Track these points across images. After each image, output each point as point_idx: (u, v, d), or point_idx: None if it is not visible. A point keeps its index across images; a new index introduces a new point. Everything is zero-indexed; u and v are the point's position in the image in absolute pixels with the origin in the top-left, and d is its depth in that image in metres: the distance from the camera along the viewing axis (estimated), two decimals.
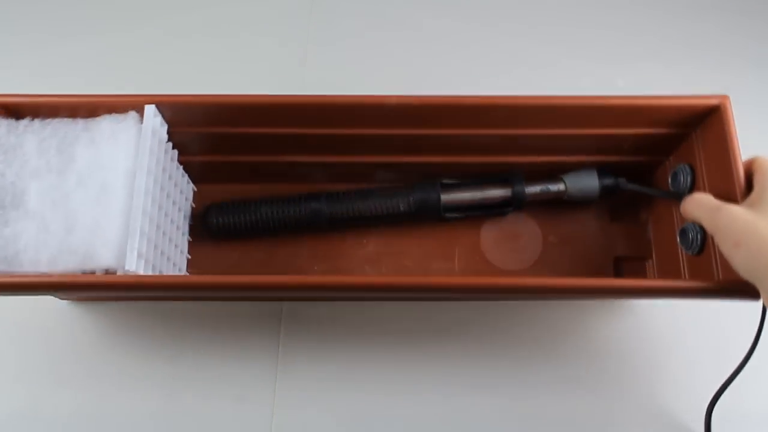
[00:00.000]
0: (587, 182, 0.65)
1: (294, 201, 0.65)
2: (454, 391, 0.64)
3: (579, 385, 0.63)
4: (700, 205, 0.52)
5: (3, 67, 0.77)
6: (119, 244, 0.52)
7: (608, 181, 0.65)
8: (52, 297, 0.65)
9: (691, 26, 0.79)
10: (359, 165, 0.65)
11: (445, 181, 0.65)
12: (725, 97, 0.56)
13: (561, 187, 0.65)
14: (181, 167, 0.64)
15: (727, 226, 0.49)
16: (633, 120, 0.59)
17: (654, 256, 0.66)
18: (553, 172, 0.65)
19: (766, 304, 0.50)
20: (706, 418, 0.60)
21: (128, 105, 0.56)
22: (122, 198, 0.53)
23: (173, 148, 0.61)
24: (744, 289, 0.50)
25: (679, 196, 0.59)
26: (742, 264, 0.48)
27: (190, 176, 0.66)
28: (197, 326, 0.65)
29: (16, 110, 0.56)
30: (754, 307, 0.54)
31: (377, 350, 0.65)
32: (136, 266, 0.51)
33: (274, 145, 0.62)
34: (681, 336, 0.65)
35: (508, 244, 0.68)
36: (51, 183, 0.53)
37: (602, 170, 0.65)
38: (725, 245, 0.49)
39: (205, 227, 0.66)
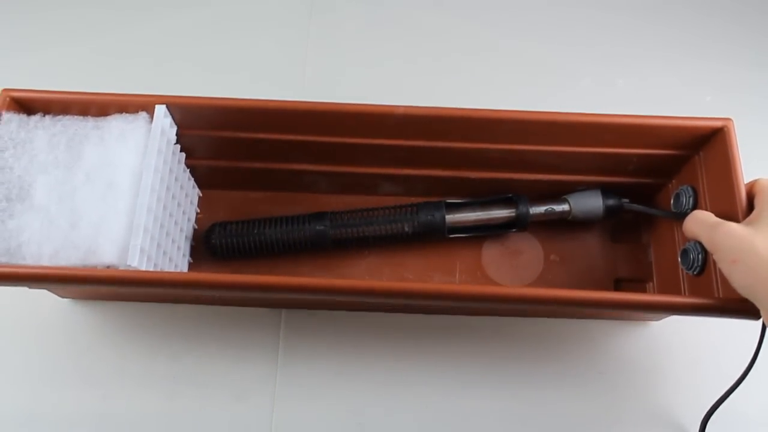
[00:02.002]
0: (591, 203, 0.65)
1: (297, 222, 0.65)
2: (453, 392, 0.63)
3: (579, 391, 0.64)
4: (700, 222, 0.52)
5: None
6: (123, 241, 0.52)
7: (612, 201, 0.65)
8: (52, 296, 0.65)
9: (691, 26, 0.79)
10: (364, 176, 0.66)
11: (450, 200, 0.66)
12: (729, 119, 0.57)
13: (565, 207, 0.65)
14: (188, 171, 0.64)
15: (724, 242, 0.49)
16: (637, 139, 0.59)
17: (655, 278, 0.66)
18: (558, 191, 0.66)
19: (765, 321, 0.49)
20: (700, 430, 0.60)
21: (139, 104, 0.56)
22: (128, 196, 0.53)
23: (181, 150, 0.62)
24: (743, 308, 0.50)
25: (680, 217, 0.59)
26: (740, 281, 0.48)
27: (196, 181, 0.67)
28: (197, 326, 0.65)
29: (27, 106, 0.57)
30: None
31: (377, 350, 0.65)
32: (138, 262, 0.51)
33: (279, 152, 0.63)
34: (683, 347, 0.65)
35: (509, 261, 0.68)
36: (58, 178, 0.54)
37: (606, 191, 0.65)
38: (723, 262, 0.49)
39: (207, 247, 0.66)
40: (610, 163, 0.62)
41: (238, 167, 0.65)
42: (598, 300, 0.52)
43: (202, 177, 0.67)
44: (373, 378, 0.64)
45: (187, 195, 0.64)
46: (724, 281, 0.52)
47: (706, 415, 0.59)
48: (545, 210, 0.65)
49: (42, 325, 0.65)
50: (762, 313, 0.48)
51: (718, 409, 0.58)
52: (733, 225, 0.50)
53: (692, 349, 0.65)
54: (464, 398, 0.63)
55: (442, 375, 0.64)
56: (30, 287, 0.60)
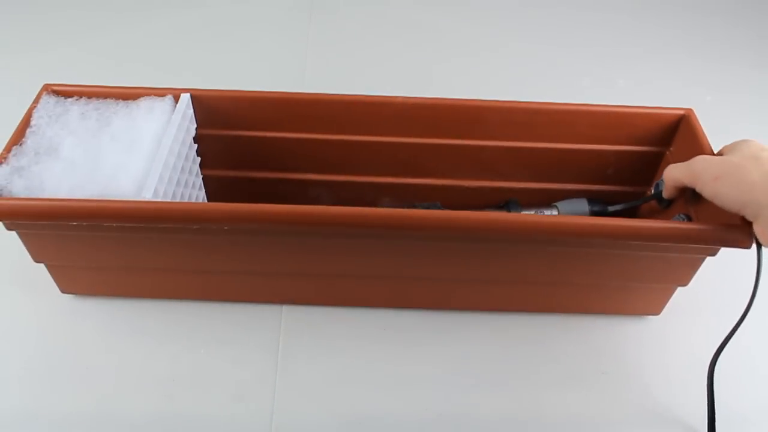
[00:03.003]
0: (578, 208, 0.69)
1: None
2: (454, 391, 0.61)
3: (579, 390, 0.61)
4: (675, 165, 0.57)
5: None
6: (140, 179, 0.55)
7: (597, 207, 0.69)
8: (53, 293, 0.65)
9: (691, 27, 0.84)
10: (364, 187, 0.70)
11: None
12: (690, 109, 0.64)
13: (554, 212, 0.69)
14: (200, 176, 0.69)
15: (704, 166, 0.53)
16: (610, 131, 0.65)
17: None
18: (547, 202, 0.70)
19: (756, 234, 0.51)
20: (708, 375, 0.57)
21: (165, 93, 0.63)
22: (149, 150, 0.58)
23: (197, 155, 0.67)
24: (737, 232, 0.52)
25: (659, 196, 0.63)
26: (727, 192, 0.50)
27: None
28: (197, 326, 0.64)
29: (65, 97, 0.63)
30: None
31: (378, 349, 0.63)
32: (153, 195, 0.54)
33: (285, 157, 0.68)
34: (683, 343, 0.65)
35: None
36: (86, 139, 0.58)
37: (592, 199, 0.70)
38: (707, 185, 0.52)
39: None
40: (591, 165, 0.68)
41: (246, 178, 0.70)
42: (591, 225, 0.53)
43: (210, 196, 0.71)
44: (373, 377, 0.62)
45: (197, 198, 0.68)
46: None
47: (714, 356, 0.57)
48: (535, 212, 0.69)
49: (42, 324, 0.64)
50: (754, 226, 0.50)
51: (725, 354, 0.57)
52: (706, 155, 0.55)
53: (692, 344, 0.64)
54: (465, 397, 0.61)
55: (443, 374, 0.62)
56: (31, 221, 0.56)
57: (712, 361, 0.57)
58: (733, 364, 0.59)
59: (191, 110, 0.64)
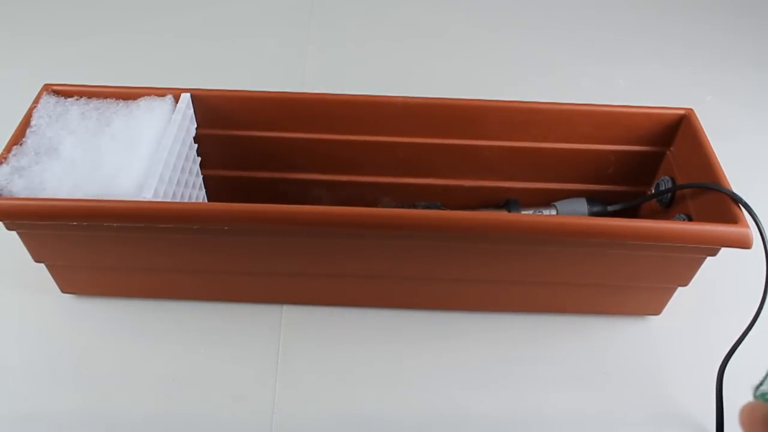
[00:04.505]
0: (577, 208, 0.69)
1: None
2: (454, 391, 0.61)
3: (579, 390, 0.61)
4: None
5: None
6: (141, 179, 0.55)
7: (596, 208, 0.69)
8: (54, 293, 0.65)
9: (692, 27, 0.84)
10: (365, 187, 0.70)
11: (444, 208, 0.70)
12: (690, 109, 0.64)
13: (552, 212, 0.69)
14: (200, 176, 0.69)
15: None
16: (611, 132, 0.65)
17: None
18: (547, 202, 0.70)
19: None
20: (717, 379, 0.57)
21: (164, 93, 0.63)
22: (149, 150, 0.58)
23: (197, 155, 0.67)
24: (731, 234, 0.52)
25: (659, 195, 0.63)
26: None
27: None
28: (197, 326, 0.64)
29: (66, 96, 0.63)
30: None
31: (378, 349, 0.63)
32: (153, 195, 0.54)
33: (286, 157, 0.68)
34: (683, 341, 0.65)
35: None
36: (86, 139, 0.58)
37: (591, 199, 0.70)
38: None
39: None
40: (591, 165, 0.68)
41: (246, 178, 0.70)
42: (599, 226, 0.53)
43: (210, 196, 0.71)
44: (373, 376, 0.62)
45: (197, 198, 0.68)
46: None
47: (723, 361, 0.57)
48: (533, 212, 0.69)
49: (42, 324, 0.64)
50: None
51: (734, 359, 0.57)
52: None
53: (693, 345, 0.64)
54: (465, 397, 0.61)
55: (443, 374, 0.62)
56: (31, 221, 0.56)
57: (721, 366, 0.57)
58: (738, 367, 0.59)
59: (191, 110, 0.64)
